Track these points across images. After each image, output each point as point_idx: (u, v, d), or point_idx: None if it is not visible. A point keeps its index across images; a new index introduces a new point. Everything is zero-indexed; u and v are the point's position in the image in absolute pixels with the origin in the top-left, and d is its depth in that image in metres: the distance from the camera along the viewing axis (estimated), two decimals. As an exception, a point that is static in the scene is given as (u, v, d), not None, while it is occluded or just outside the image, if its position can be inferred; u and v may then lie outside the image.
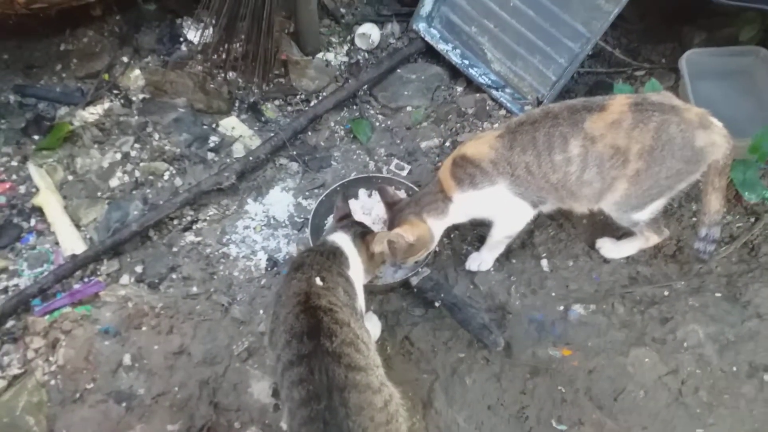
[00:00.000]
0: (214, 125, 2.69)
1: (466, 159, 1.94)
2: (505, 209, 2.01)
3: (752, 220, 2.36)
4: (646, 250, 2.23)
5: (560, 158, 1.87)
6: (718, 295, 2.20)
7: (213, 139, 2.64)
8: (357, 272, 1.83)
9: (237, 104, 2.78)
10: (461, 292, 2.22)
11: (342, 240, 1.84)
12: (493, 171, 1.92)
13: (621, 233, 2.25)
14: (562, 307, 2.19)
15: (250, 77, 2.80)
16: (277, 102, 2.81)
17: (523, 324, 2.16)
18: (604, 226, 2.25)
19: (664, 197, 1.96)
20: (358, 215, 2.30)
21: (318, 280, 1.65)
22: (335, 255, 1.79)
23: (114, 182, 2.47)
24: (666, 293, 2.21)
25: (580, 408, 2.00)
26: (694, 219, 2.34)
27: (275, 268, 2.29)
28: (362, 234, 1.88)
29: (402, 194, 2.33)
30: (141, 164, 2.52)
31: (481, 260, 2.23)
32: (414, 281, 2.13)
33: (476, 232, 2.31)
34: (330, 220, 2.31)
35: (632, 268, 2.27)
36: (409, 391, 1.99)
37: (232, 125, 2.70)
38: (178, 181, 2.50)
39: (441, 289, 2.09)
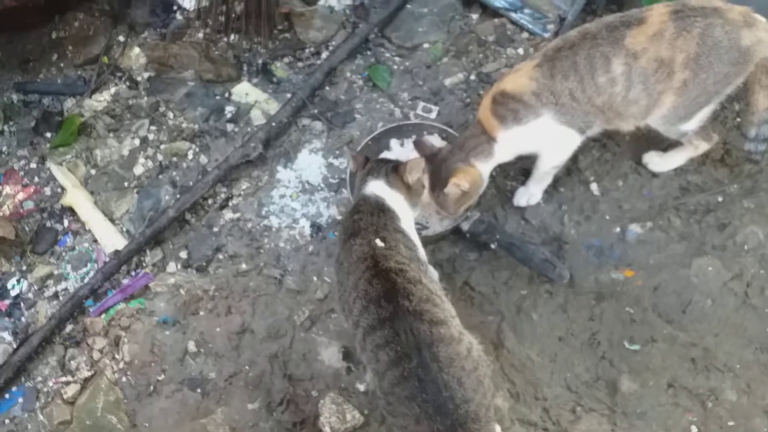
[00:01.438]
0: (226, 94, 2.64)
1: (507, 95, 1.91)
2: (552, 140, 1.99)
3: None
4: (694, 158, 2.22)
5: (604, 80, 1.83)
6: (773, 193, 2.20)
7: (229, 109, 2.60)
8: (408, 221, 1.83)
9: (246, 68, 2.71)
10: (513, 230, 2.23)
11: (381, 190, 1.82)
12: (536, 103, 1.89)
13: (666, 144, 2.23)
14: (618, 229, 2.20)
15: (254, 37, 2.72)
16: (286, 59, 2.74)
17: (581, 252, 2.18)
18: (649, 139, 2.23)
19: (713, 103, 1.93)
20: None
21: (379, 242, 1.66)
22: (383, 211, 1.78)
23: (138, 169, 2.46)
24: (720, 199, 2.21)
25: (650, 326, 2.05)
26: (738, 119, 2.32)
27: (320, 233, 2.30)
28: (394, 169, 1.85)
29: (436, 140, 2.30)
30: (162, 146, 2.49)
31: (530, 194, 2.22)
32: (465, 226, 2.13)
33: (518, 166, 2.29)
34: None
35: (682, 179, 2.26)
36: (477, 335, 2.03)
37: (245, 91, 2.65)
38: (203, 159, 2.48)
39: (495, 230, 2.10)
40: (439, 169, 2.03)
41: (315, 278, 2.21)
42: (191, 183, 2.39)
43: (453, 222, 2.20)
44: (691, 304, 2.07)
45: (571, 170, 2.29)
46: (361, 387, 2.02)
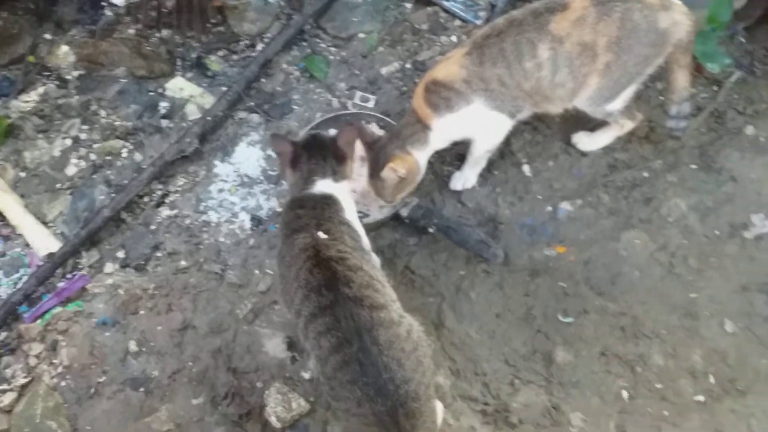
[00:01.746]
0: (160, 90, 2.61)
1: (438, 83, 1.95)
2: (484, 125, 2.05)
3: (715, 88, 2.46)
4: (621, 137, 2.32)
5: (531, 65, 1.90)
6: (693, 166, 2.33)
7: (163, 105, 2.57)
8: (352, 211, 1.85)
9: (179, 63, 2.68)
10: (451, 213, 2.29)
11: (329, 187, 1.83)
12: (467, 90, 1.94)
13: (594, 124, 2.33)
14: (550, 208, 2.28)
15: (186, 31, 2.70)
16: (221, 53, 2.72)
17: (515, 231, 2.26)
18: (577, 120, 2.31)
19: (635, 83, 2.02)
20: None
21: (321, 234, 1.68)
22: (328, 204, 1.80)
23: (71, 170, 2.41)
24: (645, 174, 2.32)
25: (582, 298, 2.14)
26: (662, 97, 2.43)
27: (261, 226, 2.30)
28: (331, 143, 1.86)
29: (375, 128, 2.34)
30: (94, 146, 2.45)
31: (465, 178, 2.28)
32: (404, 212, 2.18)
33: (454, 151, 2.35)
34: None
35: (610, 157, 2.36)
36: (419, 317, 2.07)
37: (180, 86, 2.62)
38: (138, 156, 2.45)
39: (432, 215, 2.15)
40: (377, 156, 2.06)
41: (257, 271, 2.22)
42: (126, 181, 2.36)
43: (392, 209, 2.24)
44: (620, 276, 2.17)
45: (504, 153, 2.37)
46: (306, 375, 2.04)
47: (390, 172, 1.99)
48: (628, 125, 2.23)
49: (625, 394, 2.01)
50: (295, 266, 1.65)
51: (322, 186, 1.82)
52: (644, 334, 2.08)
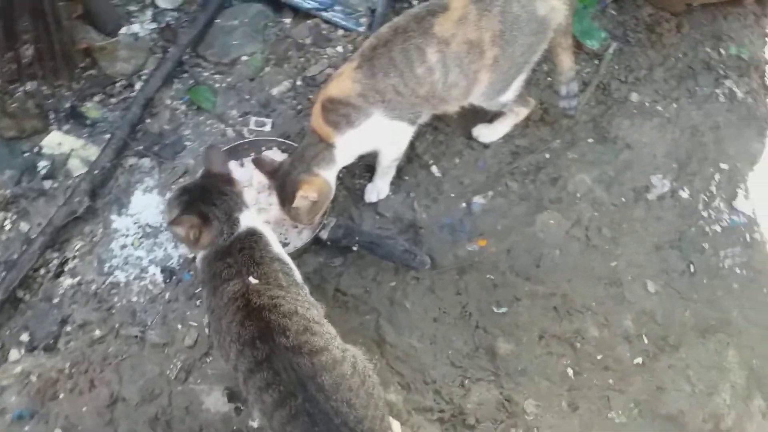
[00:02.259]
0: (36, 149, 2.40)
1: (335, 100, 1.91)
2: (387, 136, 2.04)
3: (596, 62, 2.57)
4: (518, 124, 2.38)
5: (422, 70, 1.90)
6: (590, 140, 2.43)
7: (42, 165, 2.36)
8: (276, 241, 1.77)
9: (53, 116, 2.48)
10: (370, 226, 2.26)
11: (247, 218, 1.72)
12: (364, 104, 1.91)
13: (491, 116, 2.37)
14: (464, 204, 2.31)
15: (53, 81, 2.49)
16: (96, 98, 2.54)
17: (435, 233, 2.26)
18: (474, 114, 2.34)
19: (524, 72, 2.08)
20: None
21: (253, 279, 1.59)
22: (255, 242, 1.69)
23: (-52, 256, 2.16)
24: (547, 156, 2.40)
25: (511, 287, 2.19)
26: (549, 79, 2.52)
27: (174, 277, 2.17)
28: (213, 179, 1.74)
29: (276, 154, 2.26)
30: (-30, 223, 2.21)
31: (378, 189, 2.27)
32: (324, 235, 2.13)
33: (362, 164, 2.32)
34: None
35: (511, 144, 2.42)
36: (359, 338, 2.06)
37: (57, 141, 2.42)
38: (23, 226, 2.24)
39: (353, 233, 2.12)
40: (284, 183, 2.00)
41: (179, 326, 2.09)
42: (15, 256, 2.15)
43: (311, 233, 2.18)
44: (543, 258, 2.23)
45: (411, 157, 2.37)
46: (254, 423, 1.95)
47: (302, 200, 1.93)
48: (524, 112, 2.29)
49: (570, 371, 2.07)
50: (225, 318, 1.56)
51: (246, 221, 1.71)
52: (576, 309, 2.15)
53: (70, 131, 2.46)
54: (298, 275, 1.76)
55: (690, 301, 2.18)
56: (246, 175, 2.28)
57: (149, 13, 2.75)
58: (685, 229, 2.30)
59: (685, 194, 2.35)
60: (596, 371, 2.07)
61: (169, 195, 1.72)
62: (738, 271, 2.24)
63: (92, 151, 2.41)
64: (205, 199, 1.67)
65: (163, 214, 1.80)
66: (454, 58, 1.90)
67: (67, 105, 2.51)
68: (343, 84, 1.91)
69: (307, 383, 1.44)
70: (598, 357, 2.09)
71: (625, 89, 2.54)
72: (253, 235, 1.70)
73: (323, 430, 1.42)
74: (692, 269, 2.23)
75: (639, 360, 2.09)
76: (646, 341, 2.12)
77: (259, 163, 2.03)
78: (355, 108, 1.92)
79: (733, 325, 2.15)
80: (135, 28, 2.69)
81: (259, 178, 2.26)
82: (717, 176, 2.39)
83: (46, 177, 2.34)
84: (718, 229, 2.31)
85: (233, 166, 2.30)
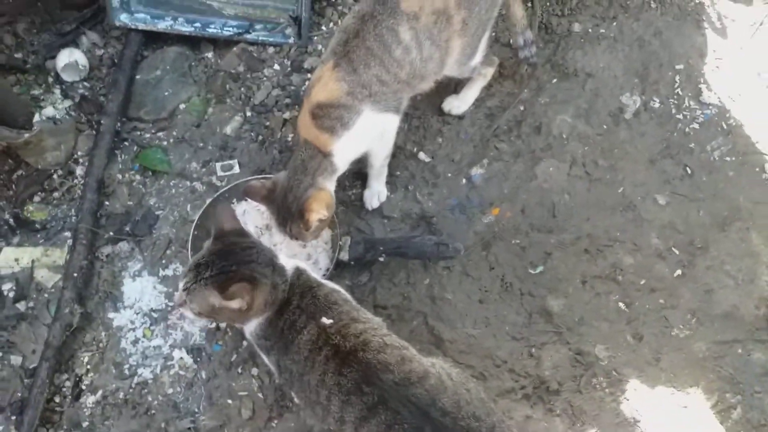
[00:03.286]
0: (-8, 274, 2.14)
1: (324, 105, 1.82)
2: (377, 131, 1.96)
3: (529, 5, 2.60)
4: (483, 86, 2.36)
5: (399, 52, 1.84)
6: (554, 81, 2.46)
7: (7, 288, 2.12)
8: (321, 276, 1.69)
9: (-6, 233, 2.22)
10: (381, 232, 2.19)
11: (286, 260, 1.64)
12: (353, 101, 1.83)
13: (454, 86, 2.35)
14: (464, 180, 2.29)
15: (-20, 196, 2.24)
16: (36, 198, 2.30)
17: (447, 217, 2.23)
18: (438, 91, 2.30)
19: (488, 30, 2.06)
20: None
21: (326, 320, 1.49)
22: (305, 280, 1.60)
23: (-60, 422, 1.90)
24: (522, 108, 2.41)
25: (538, 245, 2.19)
26: (494, 34, 2.51)
27: (203, 353, 2.02)
28: (231, 234, 1.61)
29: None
30: (-48, 378, 1.95)
31: (377, 193, 2.20)
32: (344, 256, 2.04)
33: (349, 174, 2.23)
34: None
35: (484, 109, 2.41)
36: (416, 345, 1.95)
37: (12, 258, 2.18)
38: (15, 359, 2.00)
39: (375, 244, 2.04)
40: (285, 202, 1.87)
41: (229, 401, 1.95)
42: (20, 394, 1.92)
43: (329, 260, 2.08)
44: (556, 206, 2.25)
45: (395, 152, 2.29)
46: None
47: (315, 218, 1.84)
48: (490, 72, 2.29)
49: (622, 305, 2.11)
50: (314, 373, 1.46)
51: (288, 263, 1.62)
52: (604, 245, 2.18)
53: (22, 242, 2.22)
54: (348, 295, 1.68)
55: (699, 201, 2.27)
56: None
57: (57, 91, 2.50)
58: (668, 136, 2.38)
59: (656, 104, 2.43)
60: (645, 296, 2.12)
61: (183, 283, 1.53)
62: (728, 159, 2.35)
63: (56, 255, 2.19)
64: (236, 261, 1.53)
65: (187, 302, 1.53)
66: (425, 31, 1.86)
67: (6, 216, 2.26)
68: (328, 86, 1.82)
69: (430, 412, 1.37)
70: (641, 282, 2.14)
71: (565, 22, 2.58)
72: (300, 275, 1.61)
73: (464, 453, 1.36)
74: (689, 171, 2.32)
75: (679, 272, 2.15)
76: (677, 252, 2.18)
77: (250, 191, 1.91)
78: (346, 108, 1.84)
79: (743, 209, 2.26)
80: (49, 111, 2.44)
81: (253, 221, 2.14)
82: (677, 78, 2.48)
83: (16, 299, 2.11)
84: (696, 126, 2.41)
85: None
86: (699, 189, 2.29)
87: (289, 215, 1.88)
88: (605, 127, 2.38)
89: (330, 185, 1.95)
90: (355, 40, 1.81)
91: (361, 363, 1.41)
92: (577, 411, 1.93)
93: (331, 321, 1.49)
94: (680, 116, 2.42)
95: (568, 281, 2.13)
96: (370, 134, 1.96)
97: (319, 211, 1.84)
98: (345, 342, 1.44)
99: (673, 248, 2.19)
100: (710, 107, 2.44)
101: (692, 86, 2.47)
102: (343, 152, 1.91)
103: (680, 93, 2.46)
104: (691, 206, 2.26)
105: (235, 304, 1.47)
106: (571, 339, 2.04)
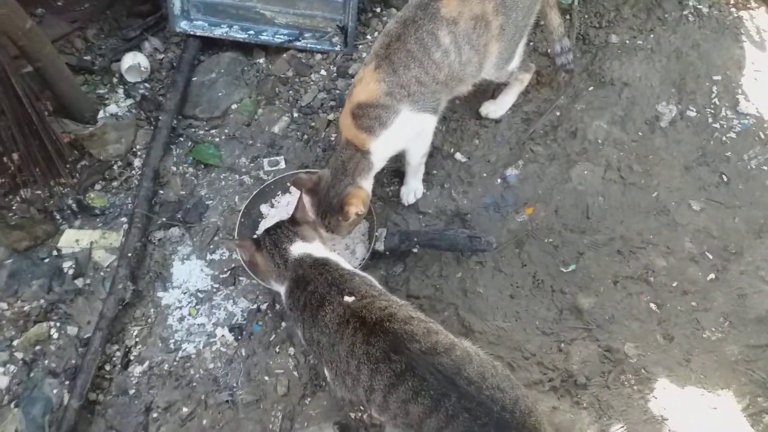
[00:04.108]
0: (54, 253, 2.32)
1: (364, 105, 1.94)
2: (414, 130, 2.07)
3: (567, 17, 2.69)
4: (521, 92, 2.46)
5: (439, 55, 1.95)
6: (591, 89, 2.54)
7: (68, 265, 2.28)
8: (343, 261, 1.80)
9: (59, 216, 2.40)
10: (417, 227, 2.28)
11: (307, 248, 1.78)
12: (392, 102, 1.95)
13: (492, 91, 2.45)
14: (499, 180, 2.36)
15: (47, 182, 2.42)
16: (98, 186, 2.48)
17: (482, 215, 2.30)
18: (477, 95, 2.42)
19: (525, 36, 2.16)
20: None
21: (347, 297, 1.59)
22: (324, 264, 1.72)
23: (2, 382, 2.05)
24: (558, 114, 2.49)
25: (571, 244, 2.24)
26: (531, 43, 2.62)
27: (244, 333, 2.13)
28: (293, 223, 1.84)
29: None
30: (15, 343, 2.11)
31: (413, 189, 2.30)
32: (380, 246, 2.13)
33: (387, 172, 2.35)
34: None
35: (521, 113, 2.50)
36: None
37: (74, 239, 2.35)
38: (71, 330, 2.15)
39: (410, 236, 2.13)
40: (328, 196, 2.00)
41: (266, 378, 2.05)
42: (74, 361, 2.07)
43: (363, 249, 2.18)
44: (590, 208, 2.30)
45: (432, 153, 2.41)
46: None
47: (354, 211, 1.95)
48: (527, 78, 2.38)
49: (653, 306, 2.13)
50: (343, 344, 1.55)
51: (298, 249, 1.77)
52: (637, 247, 2.22)
53: (83, 225, 2.40)
54: (375, 281, 1.77)
55: (734, 208, 2.29)
56: (280, 214, 2.27)
57: (120, 91, 2.71)
58: (704, 145, 2.42)
59: (692, 113, 2.48)
60: (677, 298, 2.14)
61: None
62: (765, 168, 2.36)
63: (113, 238, 2.35)
64: (267, 232, 1.81)
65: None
66: (464, 36, 1.97)
67: (70, 201, 2.44)
68: (369, 87, 1.94)
69: (456, 380, 1.44)
70: (674, 284, 2.16)
71: (602, 34, 2.66)
72: (317, 260, 1.74)
73: (486, 420, 1.42)
74: (725, 179, 2.35)
75: (712, 276, 2.16)
76: (710, 257, 2.20)
77: (299, 182, 2.04)
78: (384, 108, 1.95)
79: (780, 218, 2.26)
80: (112, 108, 2.65)
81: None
82: (714, 88, 2.53)
83: (75, 276, 2.26)
84: (733, 135, 2.44)
85: (265, 209, 2.29)
86: (735, 196, 2.31)
87: (330, 209, 2.00)
88: (641, 134, 2.44)
89: (367, 184, 2.06)
90: (396, 43, 1.94)
91: (388, 333, 1.49)
92: (604, 405, 1.95)
93: (352, 298, 1.58)
94: (717, 125, 2.46)
95: (600, 280, 2.17)
96: (408, 133, 2.06)
97: (357, 205, 1.96)
98: (371, 315, 1.53)
99: (706, 252, 2.21)
100: (748, 117, 2.47)
101: (729, 97, 2.51)
102: (380, 150, 2.02)
103: (717, 103, 2.50)
104: (726, 213, 2.28)
105: (242, 255, 1.94)
106: (601, 336, 2.07)
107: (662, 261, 2.19)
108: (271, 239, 1.79)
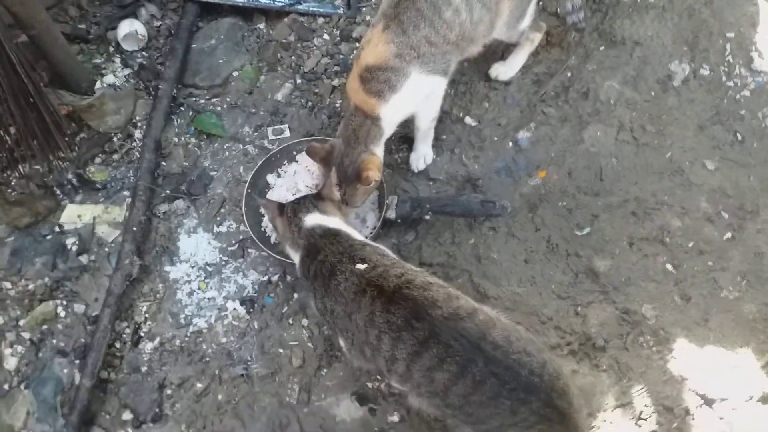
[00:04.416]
0: (57, 229, 2.26)
1: (372, 68, 1.87)
2: (424, 93, 2.00)
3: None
4: (533, 55, 2.38)
5: (450, 13, 1.87)
6: (602, 48, 2.46)
7: (71, 242, 2.23)
8: (357, 234, 1.77)
9: (59, 192, 2.34)
10: (425, 193, 2.23)
11: (321, 220, 1.76)
12: (401, 63, 1.87)
13: (501, 53, 2.37)
14: (510, 143, 2.31)
15: (48, 155, 2.34)
16: (98, 160, 2.41)
17: (494, 179, 2.25)
18: (485, 56, 2.34)
19: (536, -7, 2.09)
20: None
21: (360, 265, 1.55)
22: (337, 235, 1.70)
23: (11, 363, 2.02)
24: (569, 74, 2.42)
25: (585, 207, 2.20)
26: (541, 2, 2.53)
27: (255, 305, 2.09)
28: (317, 197, 1.83)
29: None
30: (21, 323, 2.07)
31: (423, 155, 2.24)
32: (391, 214, 2.09)
33: (395, 138, 2.29)
34: (266, 223, 2.13)
35: (531, 75, 2.43)
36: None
37: (76, 214, 2.29)
38: (78, 308, 2.11)
39: (422, 202, 2.08)
40: (342, 165, 1.94)
41: (281, 350, 2.02)
42: (83, 339, 2.02)
43: (374, 218, 2.13)
44: (603, 170, 2.25)
45: (441, 117, 2.33)
46: (395, 417, 1.90)
47: (373, 176, 1.89)
48: (537, 37, 2.30)
49: (669, 267, 2.10)
50: (360, 313, 1.51)
51: (312, 220, 1.76)
52: (652, 208, 2.18)
53: (85, 200, 2.33)
54: (388, 251, 1.73)
55: (749, 167, 2.24)
56: (287, 183, 2.21)
57: (117, 60, 2.62)
58: (718, 103, 2.36)
59: (705, 71, 2.41)
60: (693, 258, 2.10)
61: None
62: (780, 125, 2.32)
63: (116, 212, 2.29)
64: (292, 201, 1.80)
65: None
66: None
67: (70, 176, 2.38)
68: (377, 49, 1.87)
69: (482, 345, 1.41)
70: (690, 245, 2.13)
71: (613, -9, 2.58)
72: (329, 231, 1.72)
73: (515, 384, 1.40)
74: (739, 137, 2.30)
75: (728, 235, 2.13)
76: (726, 216, 2.16)
77: (311, 151, 1.98)
78: (394, 71, 1.88)
79: (795, 176, 2.22)
80: (109, 79, 2.56)
81: (302, 181, 2.21)
82: (728, 46, 2.45)
83: (80, 252, 2.21)
84: (747, 93, 2.38)
85: (272, 179, 2.23)
86: (750, 155, 2.27)
87: (345, 178, 1.94)
88: (653, 93, 2.37)
89: (379, 150, 2.00)
90: (405, 2, 1.85)
91: (408, 300, 1.45)
92: (623, 367, 1.94)
93: (364, 266, 1.55)
94: (731, 83, 2.39)
95: (615, 242, 2.13)
96: (418, 96, 1.99)
97: (374, 170, 1.90)
98: (387, 282, 1.49)
99: (722, 212, 2.17)
100: (762, 75, 2.40)
101: (744, 54, 2.44)
102: (390, 115, 1.95)
103: (731, 61, 2.43)
104: (741, 171, 2.23)
105: (267, 213, 1.93)
106: (618, 298, 2.04)
107: (677, 221, 2.15)
108: (292, 207, 1.79)
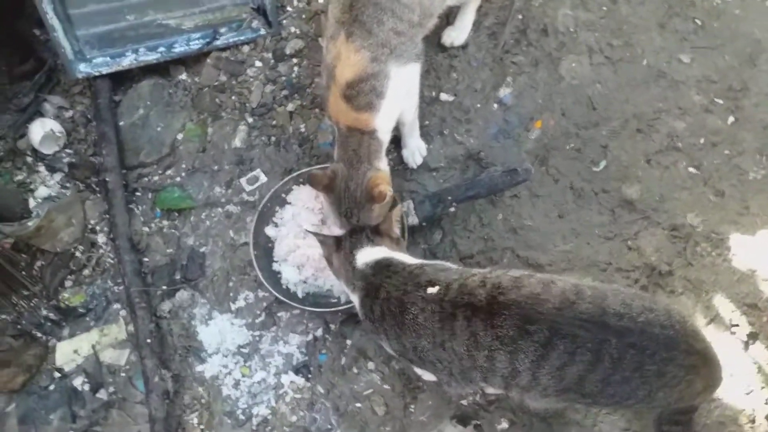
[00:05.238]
0: (57, 375, 1.97)
1: (353, 83, 1.68)
2: (405, 85, 1.83)
3: None
4: (477, 9, 2.25)
5: (407, -5, 1.70)
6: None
7: (79, 383, 1.95)
8: (409, 258, 1.62)
9: (40, 333, 2.03)
10: (435, 186, 2.08)
11: (366, 255, 1.60)
12: (379, 66, 1.70)
13: (447, 19, 2.23)
14: (495, 105, 2.18)
15: (9, 301, 2.04)
16: (68, 282, 2.12)
17: (494, 146, 2.13)
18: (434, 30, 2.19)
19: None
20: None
21: (430, 289, 1.40)
22: (387, 265, 1.56)
23: None
24: (520, 16, 2.28)
25: (591, 141, 2.12)
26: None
27: (311, 369, 1.89)
28: (374, 231, 1.67)
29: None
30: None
31: (415, 148, 2.09)
32: (414, 220, 1.93)
33: (380, 139, 2.11)
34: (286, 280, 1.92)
35: (484, 30, 2.28)
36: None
37: (71, 351, 2.01)
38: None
39: (441, 196, 1.92)
40: (348, 190, 1.75)
41: (358, 404, 1.84)
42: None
43: (400, 232, 1.96)
44: (592, 99, 2.17)
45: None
46: (505, 425, 1.77)
47: (387, 191, 1.71)
48: (479, -11, 2.17)
49: (691, 170, 2.05)
50: (457, 340, 1.36)
51: (363, 257, 1.62)
52: (652, 119, 2.12)
53: (74, 331, 2.05)
54: (454, 266, 1.58)
55: (719, 48, 2.21)
56: (289, 227, 2.01)
57: (42, 168, 2.28)
58: (666, -4, 2.32)
59: (643, -30, 2.36)
60: (709, 153, 2.07)
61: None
62: (729, 0, 2.30)
63: (114, 331, 2.02)
64: (350, 234, 1.70)
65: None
66: None
67: (44, 312, 2.07)
68: (350, 61, 1.68)
69: (607, 320, 1.29)
70: (701, 141, 2.09)
71: None
72: (380, 262, 1.58)
73: (654, 348, 1.29)
74: (699, 23, 2.26)
75: (731, 119, 2.10)
76: (721, 102, 2.13)
77: (314, 180, 1.77)
78: (375, 76, 1.70)
79: (762, 40, 2.21)
80: (42, 192, 2.23)
81: (300, 223, 2.00)
82: (653, -62, 2.41)
83: (94, 390, 1.94)
84: (690, -22, 2.35)
85: (271, 230, 2.01)
86: (715, 36, 2.23)
87: (355, 203, 1.75)
88: (605, 8, 2.29)
89: (383, 164, 1.83)
90: (358, 2, 1.67)
91: (510, 306, 1.31)
92: (696, 283, 1.88)
93: (437, 288, 1.41)
94: (671, -27, 2.36)
95: (634, 165, 2.06)
96: (402, 92, 1.83)
97: (383, 184, 1.73)
98: (475, 297, 1.35)
99: (715, 99, 2.13)
100: (694, -43, 2.38)
101: (671, -59, 2.41)
102: (385, 123, 1.78)
103: (662, -49, 2.39)
104: (714, 54, 2.20)
105: (324, 250, 1.72)
106: (660, 218, 1.98)
107: (681, 123, 2.10)
108: (351, 243, 1.64)
